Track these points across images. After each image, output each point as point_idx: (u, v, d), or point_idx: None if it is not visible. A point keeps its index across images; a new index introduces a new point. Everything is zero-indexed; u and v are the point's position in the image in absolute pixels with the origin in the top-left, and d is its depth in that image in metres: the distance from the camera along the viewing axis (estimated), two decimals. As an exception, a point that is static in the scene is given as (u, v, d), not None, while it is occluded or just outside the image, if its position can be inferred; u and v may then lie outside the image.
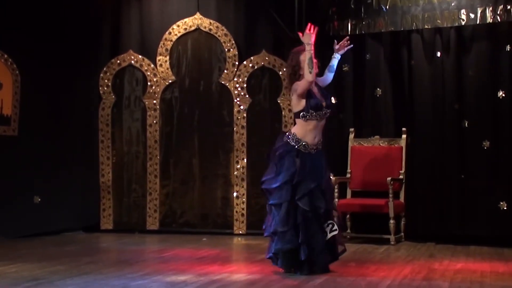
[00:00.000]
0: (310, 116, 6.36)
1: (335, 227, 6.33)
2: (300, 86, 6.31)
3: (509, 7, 8.42)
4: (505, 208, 8.53)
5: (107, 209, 9.91)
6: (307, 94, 6.35)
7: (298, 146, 6.36)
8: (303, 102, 6.34)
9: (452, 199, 8.77)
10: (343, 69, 9.26)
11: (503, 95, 8.61)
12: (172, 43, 9.81)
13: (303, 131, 6.39)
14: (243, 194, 9.56)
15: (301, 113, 6.36)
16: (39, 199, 9.18)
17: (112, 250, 8.56)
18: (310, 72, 6.19)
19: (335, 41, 6.87)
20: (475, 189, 8.68)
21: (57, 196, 9.37)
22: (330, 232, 6.29)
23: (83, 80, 9.86)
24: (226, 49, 9.68)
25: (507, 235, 8.49)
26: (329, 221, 6.32)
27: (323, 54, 9.39)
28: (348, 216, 8.99)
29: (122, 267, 6.73)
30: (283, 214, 6.20)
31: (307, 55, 6.24)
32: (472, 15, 8.64)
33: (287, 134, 6.51)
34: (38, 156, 9.10)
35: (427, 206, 8.91)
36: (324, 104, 6.42)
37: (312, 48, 6.27)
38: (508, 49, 8.60)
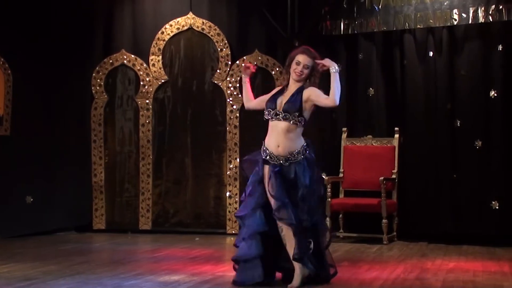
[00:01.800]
0: (266, 116, 6.00)
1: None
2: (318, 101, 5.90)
3: (501, 7, 8.47)
4: (497, 207, 8.57)
5: (100, 209, 9.90)
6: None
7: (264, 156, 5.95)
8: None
9: (445, 198, 8.80)
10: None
11: (495, 94, 8.65)
12: (164, 42, 9.82)
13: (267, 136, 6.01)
14: (236, 194, 9.57)
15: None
16: (31, 199, 9.16)
17: (105, 250, 8.55)
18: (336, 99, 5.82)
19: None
20: (468, 188, 8.72)
21: (50, 196, 9.35)
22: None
23: (75, 80, 9.84)
24: (218, 49, 9.68)
25: (499, 234, 8.54)
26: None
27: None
28: (340, 215, 9.02)
29: (115, 267, 6.73)
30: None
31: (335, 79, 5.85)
32: (464, 15, 8.68)
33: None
34: (30, 156, 9.08)
35: (420, 206, 8.93)
36: (277, 106, 5.92)
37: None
38: (500, 49, 8.64)
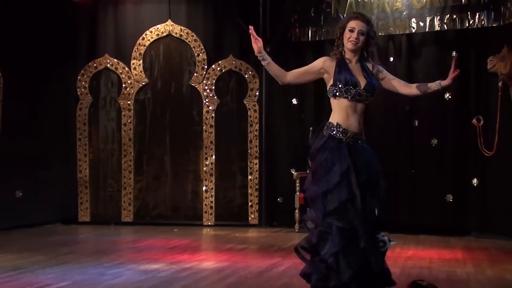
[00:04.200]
0: (339, 93, 4.73)
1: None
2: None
3: (454, 16, 8.53)
4: (451, 200, 8.64)
5: (85, 203, 9.85)
6: (338, 70, 4.80)
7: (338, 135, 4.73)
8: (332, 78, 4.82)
9: (404, 192, 8.85)
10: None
11: (450, 96, 8.72)
12: (145, 47, 9.78)
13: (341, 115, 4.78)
14: (212, 188, 9.57)
15: (330, 89, 4.82)
16: (21, 194, 9.09)
17: (89, 241, 8.52)
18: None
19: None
20: (424, 183, 8.78)
21: (38, 190, 9.29)
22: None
23: (62, 82, 9.79)
24: (195, 54, 9.67)
25: (453, 225, 8.63)
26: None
27: (286, 58, 9.53)
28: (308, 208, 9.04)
29: (99, 256, 6.70)
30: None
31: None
32: (421, 24, 8.74)
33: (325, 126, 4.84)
34: (19, 154, 9.00)
35: (381, 199, 8.98)
36: (358, 82, 4.74)
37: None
38: (454, 55, 8.68)
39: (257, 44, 4.84)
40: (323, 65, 4.84)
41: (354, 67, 4.80)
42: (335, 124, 4.74)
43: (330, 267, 4.40)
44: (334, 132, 4.72)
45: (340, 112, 4.76)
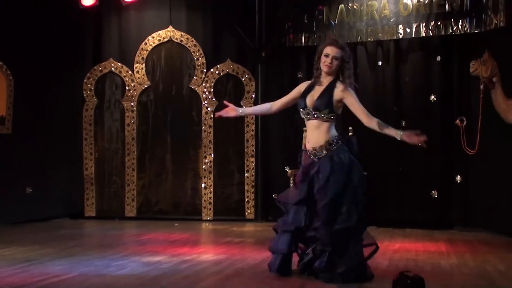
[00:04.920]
0: (301, 114, 5.34)
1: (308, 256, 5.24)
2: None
3: (439, 23, 8.56)
4: (436, 196, 8.69)
5: (90, 199, 9.88)
6: (301, 95, 5.36)
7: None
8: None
9: (392, 188, 8.91)
10: (298, 75, 9.35)
11: (435, 98, 8.77)
12: (147, 52, 9.81)
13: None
14: (210, 185, 9.60)
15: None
16: (31, 190, 9.11)
17: (95, 234, 8.54)
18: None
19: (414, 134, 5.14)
20: (411, 180, 8.83)
21: (47, 187, 9.32)
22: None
23: (69, 85, 9.80)
24: (195, 58, 9.70)
25: (438, 219, 8.67)
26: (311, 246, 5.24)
27: (280, 62, 9.57)
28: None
29: (104, 249, 6.73)
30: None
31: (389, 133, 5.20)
32: (408, 30, 8.77)
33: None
34: (29, 152, 9.03)
35: (370, 195, 8.92)
36: (307, 103, 5.25)
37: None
38: (439, 59, 8.77)
39: (230, 113, 5.58)
40: (299, 89, 5.41)
41: (321, 88, 5.25)
42: (304, 143, 5.34)
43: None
44: (304, 150, 5.33)
45: (307, 131, 5.35)
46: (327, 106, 5.18)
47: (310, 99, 5.24)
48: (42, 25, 9.24)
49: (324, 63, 5.21)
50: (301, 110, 5.29)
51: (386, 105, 9.00)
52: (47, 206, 9.31)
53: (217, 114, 5.69)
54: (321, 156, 5.19)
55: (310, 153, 5.25)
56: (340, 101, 5.24)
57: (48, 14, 9.27)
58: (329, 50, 5.21)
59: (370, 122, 5.25)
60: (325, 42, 5.34)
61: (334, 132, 5.26)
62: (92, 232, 8.76)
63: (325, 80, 5.27)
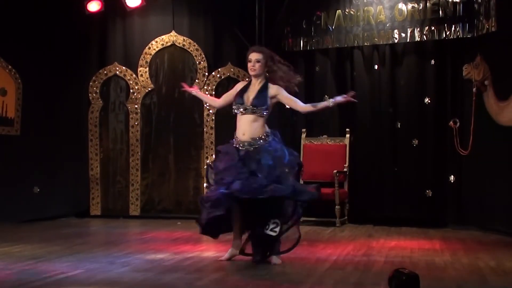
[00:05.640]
0: (235, 110, 5.84)
1: (277, 228, 5.58)
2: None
3: (433, 28, 8.57)
4: (430, 195, 8.69)
5: (96, 198, 9.88)
6: (237, 93, 5.90)
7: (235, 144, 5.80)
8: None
9: (387, 188, 8.90)
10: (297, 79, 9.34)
11: (429, 101, 8.77)
12: (151, 56, 9.81)
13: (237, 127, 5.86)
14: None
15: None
16: (38, 189, 9.12)
17: (100, 233, 8.53)
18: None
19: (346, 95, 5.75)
20: (406, 179, 8.82)
21: (53, 186, 9.30)
22: (269, 230, 5.59)
23: (75, 88, 9.80)
24: (197, 62, 9.70)
25: (432, 217, 8.67)
26: (274, 220, 5.59)
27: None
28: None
29: (109, 247, 6.72)
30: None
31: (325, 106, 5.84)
32: (403, 35, 8.77)
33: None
34: (37, 153, 9.04)
35: (367, 194, 9.02)
36: (245, 101, 5.78)
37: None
38: (433, 63, 8.77)
39: (193, 88, 6.42)
40: (236, 88, 5.96)
41: (254, 88, 5.80)
42: (234, 135, 5.80)
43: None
44: (233, 142, 5.78)
45: (237, 125, 5.80)
46: (263, 103, 5.73)
47: (247, 98, 5.77)
48: (50, 30, 9.26)
49: (249, 67, 5.82)
50: (238, 105, 5.78)
51: (381, 107, 9.01)
52: (54, 205, 9.31)
53: (184, 87, 6.45)
54: (257, 146, 5.68)
55: (245, 144, 5.70)
56: (274, 97, 5.79)
57: (56, 20, 9.28)
58: (251, 55, 5.82)
59: (305, 107, 5.89)
60: (248, 50, 5.92)
61: (266, 126, 5.81)
62: (97, 230, 8.75)
63: (257, 82, 5.83)
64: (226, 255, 5.89)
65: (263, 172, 5.56)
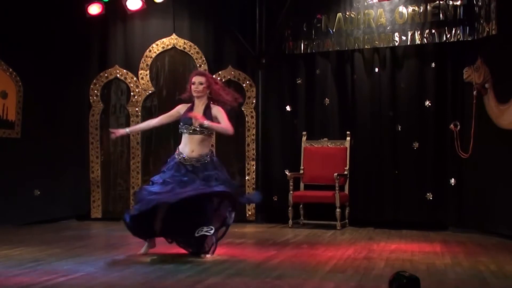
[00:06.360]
0: (181, 129, 6.30)
1: (211, 231, 6.06)
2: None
3: (433, 31, 8.58)
4: (431, 199, 8.69)
5: (96, 201, 9.87)
6: (183, 113, 6.37)
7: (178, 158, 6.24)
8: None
9: (388, 191, 8.90)
10: (297, 82, 9.38)
11: (429, 104, 8.77)
12: (151, 59, 9.81)
13: (182, 144, 6.31)
14: (212, 187, 9.58)
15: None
16: (39, 192, 9.12)
17: (101, 235, 8.52)
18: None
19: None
20: (406, 182, 8.82)
21: (54, 189, 9.30)
22: (201, 232, 6.06)
23: (76, 91, 9.79)
24: (198, 65, 9.70)
25: (432, 220, 8.67)
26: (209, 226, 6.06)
27: (280, 68, 9.58)
28: (301, 206, 9.07)
29: (110, 249, 6.73)
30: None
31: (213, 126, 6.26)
32: (404, 38, 8.78)
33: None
34: (37, 155, 9.04)
35: (367, 197, 9.03)
36: (193, 122, 6.21)
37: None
38: (433, 66, 8.76)
39: (120, 132, 6.90)
40: (178, 110, 6.41)
41: (198, 109, 6.24)
42: (178, 151, 6.24)
43: None
44: (175, 156, 6.21)
45: (182, 142, 6.23)
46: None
47: (194, 119, 6.15)
48: (50, 33, 9.26)
49: (193, 89, 6.26)
50: (186, 126, 6.20)
51: (382, 110, 9.00)
52: (54, 208, 9.29)
53: (112, 131, 6.89)
54: (205, 162, 6.19)
55: (192, 160, 6.15)
56: (216, 117, 6.25)
57: (56, 23, 9.28)
58: (194, 78, 6.29)
59: (230, 130, 6.35)
60: (192, 74, 6.43)
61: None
62: (98, 233, 8.74)
63: (200, 103, 6.29)
64: (142, 250, 6.34)
65: (209, 180, 6.13)
